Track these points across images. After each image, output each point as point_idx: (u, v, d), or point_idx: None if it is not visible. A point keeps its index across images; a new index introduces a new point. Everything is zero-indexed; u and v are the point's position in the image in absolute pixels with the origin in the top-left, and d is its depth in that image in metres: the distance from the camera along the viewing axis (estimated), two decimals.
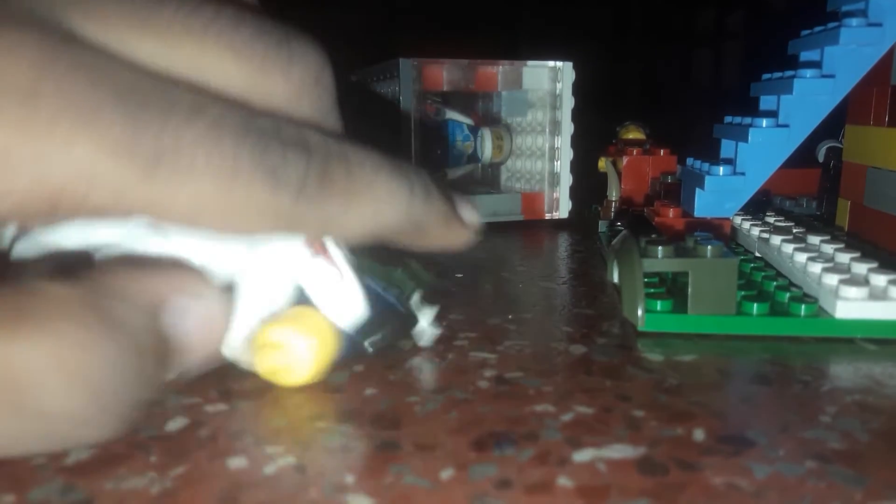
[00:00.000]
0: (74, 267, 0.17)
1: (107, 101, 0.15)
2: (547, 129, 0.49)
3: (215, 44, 0.17)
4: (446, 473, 0.16)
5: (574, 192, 0.49)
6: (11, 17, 0.15)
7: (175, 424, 0.18)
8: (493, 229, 0.46)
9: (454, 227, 0.20)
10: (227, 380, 0.20)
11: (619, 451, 0.17)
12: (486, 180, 0.56)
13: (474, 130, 0.50)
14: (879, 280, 0.26)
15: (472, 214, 0.21)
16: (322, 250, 0.19)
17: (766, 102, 0.35)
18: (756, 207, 0.39)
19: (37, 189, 0.14)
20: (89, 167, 0.14)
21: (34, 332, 0.14)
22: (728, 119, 0.36)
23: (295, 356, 0.19)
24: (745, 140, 0.33)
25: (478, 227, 0.21)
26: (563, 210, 0.49)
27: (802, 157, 0.35)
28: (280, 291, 0.19)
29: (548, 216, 0.49)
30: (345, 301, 0.20)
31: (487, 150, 0.51)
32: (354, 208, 0.17)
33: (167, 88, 0.16)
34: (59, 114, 0.14)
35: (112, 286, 0.16)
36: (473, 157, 0.51)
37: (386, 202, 0.18)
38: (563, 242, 0.43)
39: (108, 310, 0.15)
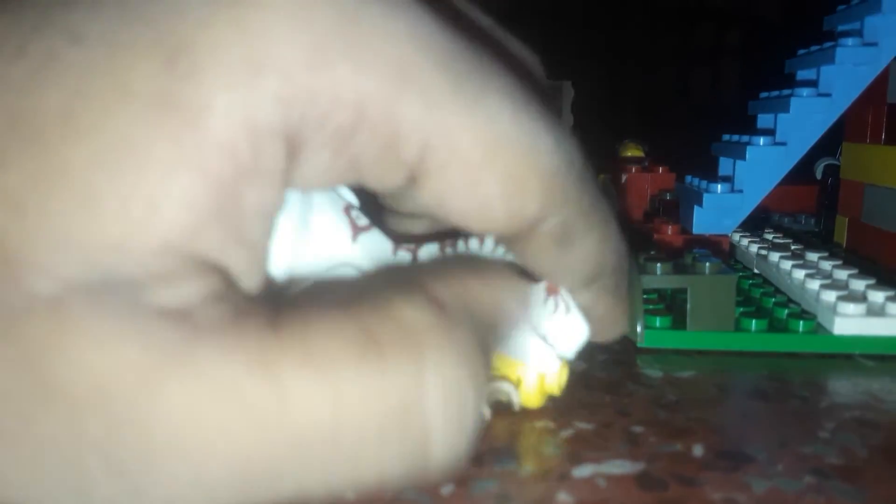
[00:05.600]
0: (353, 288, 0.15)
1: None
2: None
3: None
4: (447, 489, 0.16)
5: None
6: None
7: None
8: None
9: (625, 311, 0.19)
10: None
11: (619, 467, 0.17)
12: None
13: None
14: (877, 296, 0.26)
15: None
16: (555, 291, 0.18)
17: (764, 121, 0.35)
18: (754, 224, 0.39)
19: (348, 94, 0.12)
20: (401, 71, 0.13)
21: (412, 364, 0.12)
22: (726, 137, 0.37)
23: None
24: (743, 158, 0.33)
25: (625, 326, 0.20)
26: None
27: (800, 174, 0.36)
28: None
29: None
30: (573, 332, 0.19)
31: None
32: (598, 220, 0.16)
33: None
34: None
35: (464, 302, 0.14)
36: None
37: (614, 237, 0.17)
38: None
39: (479, 338, 0.13)
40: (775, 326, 0.25)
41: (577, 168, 0.15)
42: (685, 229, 0.34)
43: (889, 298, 0.25)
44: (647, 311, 0.25)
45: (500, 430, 0.19)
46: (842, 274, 0.28)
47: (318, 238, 0.17)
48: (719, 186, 0.33)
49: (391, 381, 0.12)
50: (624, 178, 0.44)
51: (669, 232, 0.34)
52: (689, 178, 0.36)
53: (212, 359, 0.11)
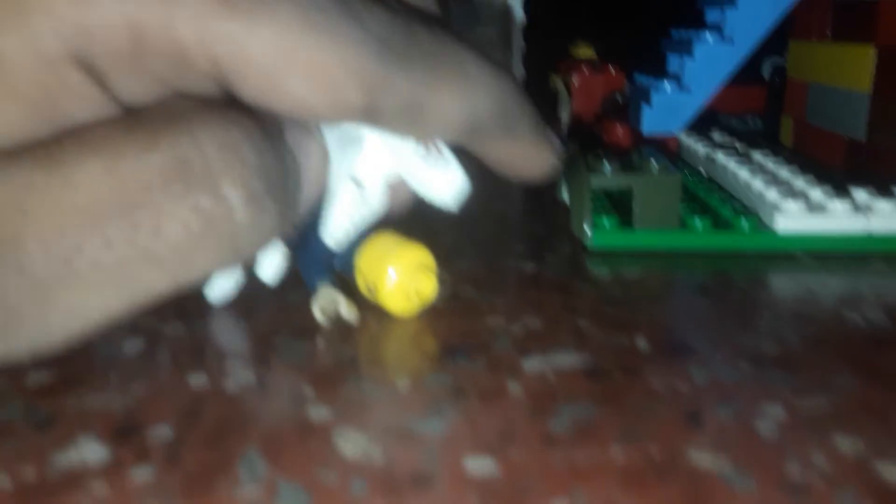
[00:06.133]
0: None
1: None
2: (498, 46, 0.49)
3: None
4: (403, 383, 0.17)
5: None
6: None
7: (132, 345, 0.19)
8: None
9: (543, 144, 0.19)
10: (183, 299, 0.21)
11: (567, 360, 0.18)
12: None
13: None
14: (818, 194, 0.26)
15: (555, 138, 0.19)
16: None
17: (712, 15, 0.35)
18: (702, 125, 0.40)
19: (117, 21, 0.13)
20: None
21: (181, 131, 0.14)
22: (675, 34, 0.36)
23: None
24: (691, 54, 0.33)
25: (560, 154, 0.19)
26: None
27: (748, 74, 0.36)
28: (380, 186, 0.19)
29: None
30: (450, 181, 0.19)
31: None
32: (446, 82, 0.16)
33: None
34: None
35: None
36: None
37: (480, 84, 0.16)
38: None
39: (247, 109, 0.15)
40: (719, 224, 0.26)
41: (397, 49, 0.15)
42: (635, 130, 0.35)
43: (830, 196, 0.26)
44: (594, 211, 0.26)
45: (453, 328, 0.19)
46: (784, 172, 0.29)
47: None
48: (668, 86, 0.33)
49: (163, 146, 0.14)
50: (575, 78, 0.44)
51: (620, 133, 0.35)
52: (638, 77, 0.37)
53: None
